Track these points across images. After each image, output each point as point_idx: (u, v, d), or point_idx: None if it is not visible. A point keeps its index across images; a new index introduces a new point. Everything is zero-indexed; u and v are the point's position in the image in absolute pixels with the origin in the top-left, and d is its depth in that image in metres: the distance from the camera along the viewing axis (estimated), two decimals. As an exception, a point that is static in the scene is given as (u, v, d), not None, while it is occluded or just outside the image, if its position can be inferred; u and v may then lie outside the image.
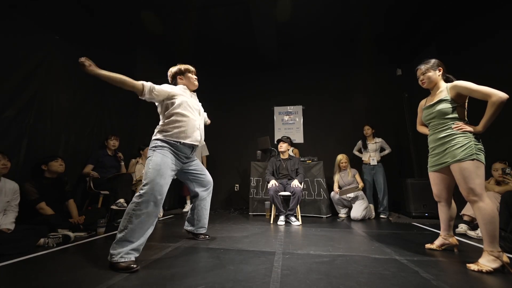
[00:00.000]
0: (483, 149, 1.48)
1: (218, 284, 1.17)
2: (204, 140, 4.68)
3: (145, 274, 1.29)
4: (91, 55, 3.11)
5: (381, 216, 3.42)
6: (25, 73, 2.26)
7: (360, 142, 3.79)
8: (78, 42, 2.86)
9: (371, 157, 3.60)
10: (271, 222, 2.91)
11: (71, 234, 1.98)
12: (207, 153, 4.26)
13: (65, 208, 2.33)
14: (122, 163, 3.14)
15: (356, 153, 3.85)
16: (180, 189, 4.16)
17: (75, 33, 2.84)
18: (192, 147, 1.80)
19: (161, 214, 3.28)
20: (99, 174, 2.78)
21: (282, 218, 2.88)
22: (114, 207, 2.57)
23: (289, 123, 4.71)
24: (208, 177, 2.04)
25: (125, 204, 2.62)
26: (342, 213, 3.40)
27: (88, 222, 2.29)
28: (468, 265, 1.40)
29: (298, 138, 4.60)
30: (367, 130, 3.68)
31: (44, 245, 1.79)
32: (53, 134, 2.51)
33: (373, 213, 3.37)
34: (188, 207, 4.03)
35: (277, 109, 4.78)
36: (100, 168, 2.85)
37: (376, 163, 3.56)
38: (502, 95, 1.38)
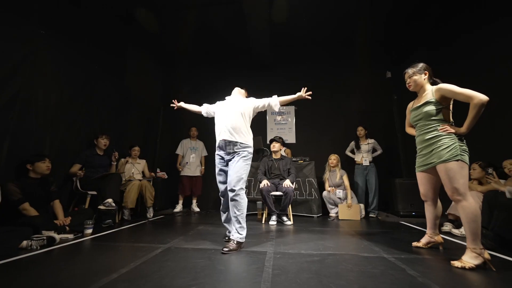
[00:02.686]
0: (467, 150, 1.54)
1: (209, 285, 1.16)
2: (200, 139, 4.61)
3: (134, 276, 1.27)
4: (78, 51, 3.02)
5: (371, 215, 3.50)
6: (9, 69, 2.16)
7: (353, 143, 3.85)
8: (65, 37, 2.77)
9: (363, 157, 3.67)
10: (263, 222, 2.92)
11: (56, 236, 1.91)
12: (206, 154, 4.27)
13: (50, 209, 2.25)
14: (114, 163, 3.07)
15: (349, 153, 3.91)
16: (175, 189, 4.11)
17: (62, 28, 2.74)
18: (223, 143, 1.95)
19: (151, 215, 3.23)
20: (88, 174, 2.71)
21: (274, 218, 2.90)
22: (102, 207, 2.50)
23: (281, 123, 4.74)
24: (229, 177, 1.87)
25: (113, 204, 2.56)
26: (333, 212, 3.45)
27: (74, 223, 2.22)
28: (452, 262, 1.45)
29: (290, 138, 4.63)
30: (360, 131, 3.75)
31: (27, 248, 1.72)
32: (38, 132, 2.42)
33: (363, 213, 3.44)
34: (179, 207, 3.98)
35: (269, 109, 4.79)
36: (89, 167, 2.77)
37: (368, 164, 3.63)
38: (483, 97, 1.43)
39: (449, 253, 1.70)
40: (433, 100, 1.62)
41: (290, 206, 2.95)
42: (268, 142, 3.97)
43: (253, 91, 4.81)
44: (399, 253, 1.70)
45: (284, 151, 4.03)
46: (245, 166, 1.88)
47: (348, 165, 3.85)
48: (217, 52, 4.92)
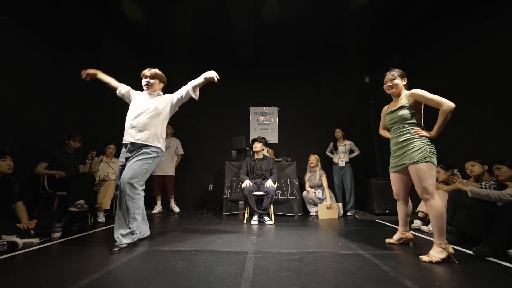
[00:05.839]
0: (435, 152, 1.65)
1: (187, 287, 1.13)
2: (179, 138, 4.48)
3: (106, 282, 1.20)
4: (47, 39, 2.79)
5: (348, 214, 3.64)
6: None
7: (331, 144, 3.99)
8: (31, 24, 2.55)
9: (340, 158, 3.81)
10: (245, 222, 2.91)
11: (19, 241, 1.76)
12: (182, 152, 4.14)
13: (12, 211, 2.06)
14: (89, 161, 2.90)
15: (329, 154, 4.05)
16: (150, 189, 3.95)
17: (28, 14, 2.52)
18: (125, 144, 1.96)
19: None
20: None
21: (255, 217, 2.90)
22: (73, 209, 2.34)
23: (264, 124, 4.76)
24: (123, 173, 1.85)
25: (86, 206, 2.40)
26: (313, 211, 3.53)
27: (41, 227, 2.05)
28: (420, 256, 1.56)
29: (273, 138, 4.68)
30: (338, 132, 3.89)
31: (-17, 255, 1.56)
32: (-1, 127, 2.21)
33: (341, 211, 3.56)
34: (158, 208, 3.84)
35: (253, 109, 4.80)
36: (57, 167, 2.57)
37: (344, 164, 3.77)
38: (451, 104, 1.55)
39: (418, 248, 1.82)
40: (407, 104, 1.72)
41: (271, 206, 2.98)
42: (250, 142, 3.97)
43: (235, 89, 4.83)
44: (374, 249, 1.79)
45: (267, 151, 4.06)
46: (144, 165, 1.87)
47: (329, 165, 3.97)
48: (200, 49, 4.83)
